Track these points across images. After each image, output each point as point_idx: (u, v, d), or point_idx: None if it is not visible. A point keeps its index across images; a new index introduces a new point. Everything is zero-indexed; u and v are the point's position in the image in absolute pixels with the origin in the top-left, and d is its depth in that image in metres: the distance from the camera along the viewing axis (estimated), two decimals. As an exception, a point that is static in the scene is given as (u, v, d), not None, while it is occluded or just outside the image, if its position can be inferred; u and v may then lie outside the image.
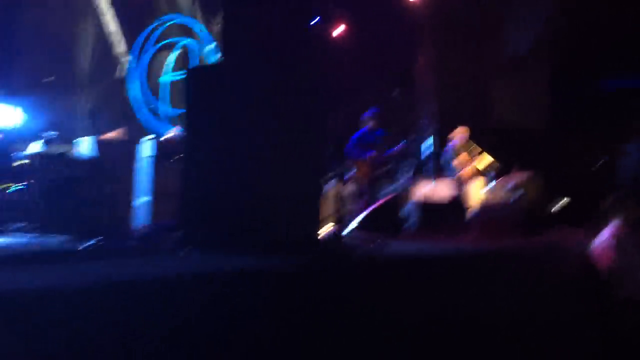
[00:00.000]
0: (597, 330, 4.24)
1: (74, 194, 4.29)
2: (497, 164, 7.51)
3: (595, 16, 9.32)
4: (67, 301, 1.78)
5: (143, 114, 8.78)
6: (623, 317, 4.32)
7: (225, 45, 3.75)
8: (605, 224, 4.77)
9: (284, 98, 3.33)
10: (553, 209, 8.44)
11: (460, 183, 7.64)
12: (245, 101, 3.27)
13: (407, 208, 5.84)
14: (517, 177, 7.91)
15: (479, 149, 7.60)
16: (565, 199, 9.05)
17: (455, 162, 7.67)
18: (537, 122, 11.10)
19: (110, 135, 6.50)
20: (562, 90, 10.93)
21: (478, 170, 7.68)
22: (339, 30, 10.91)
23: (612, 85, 11.21)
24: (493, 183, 7.72)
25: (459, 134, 7.72)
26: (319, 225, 3.68)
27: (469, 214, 6.19)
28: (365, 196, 6.80)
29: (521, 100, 10.94)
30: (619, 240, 4.50)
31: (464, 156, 7.68)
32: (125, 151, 5.77)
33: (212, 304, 2.14)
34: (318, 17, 10.23)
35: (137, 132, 8.04)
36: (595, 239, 4.69)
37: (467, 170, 7.64)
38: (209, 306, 2.12)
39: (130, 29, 8.72)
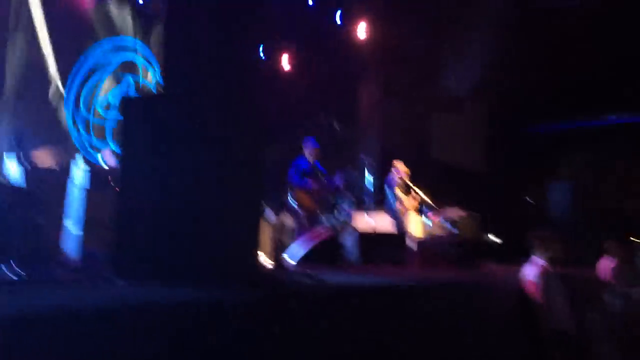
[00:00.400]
0: (529, 358, 4.37)
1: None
2: (433, 200, 7.72)
3: (528, 63, 9.89)
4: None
5: (76, 141, 8.50)
6: (552, 347, 4.49)
7: (165, 74, 3.70)
8: (531, 261, 5.00)
9: (222, 128, 3.31)
10: (486, 244, 8.72)
11: (399, 217, 7.78)
12: (183, 130, 3.22)
13: (347, 240, 5.88)
14: (452, 213, 8.16)
15: (416, 186, 7.80)
16: (497, 235, 9.40)
17: (394, 197, 7.81)
18: (473, 160, 11.56)
19: (40, 159, 6.21)
20: (497, 132, 11.47)
21: (415, 205, 7.85)
22: (284, 63, 11.05)
23: (542, 128, 11.89)
24: (429, 218, 7.91)
25: (398, 170, 7.90)
26: (257, 255, 3.62)
27: (406, 247, 6.30)
28: (305, 228, 6.79)
29: (459, 139, 11.38)
30: (542, 276, 4.71)
31: (402, 191, 7.85)
32: (55, 177, 5.53)
33: (146, 337, 2.04)
34: (262, 49, 10.36)
35: (69, 157, 7.73)
36: (523, 275, 4.90)
37: (405, 205, 7.80)
38: (143, 340, 2.02)
39: (66, 50, 8.46)
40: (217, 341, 2.26)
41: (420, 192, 7.71)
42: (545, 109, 11.07)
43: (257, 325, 2.46)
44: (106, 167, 6.44)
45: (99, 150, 8.37)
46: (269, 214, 7.78)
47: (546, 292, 4.66)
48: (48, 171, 5.82)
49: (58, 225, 5.16)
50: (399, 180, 7.85)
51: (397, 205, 7.77)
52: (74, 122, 8.55)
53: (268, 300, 2.71)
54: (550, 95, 10.60)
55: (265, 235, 6.89)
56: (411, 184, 7.80)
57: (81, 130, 8.64)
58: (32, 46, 8.03)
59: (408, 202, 7.82)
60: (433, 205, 7.78)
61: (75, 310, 2.09)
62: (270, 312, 2.60)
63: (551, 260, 4.89)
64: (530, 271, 4.84)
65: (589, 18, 9.13)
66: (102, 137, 8.84)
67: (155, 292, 2.69)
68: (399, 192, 7.81)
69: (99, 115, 8.95)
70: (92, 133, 8.78)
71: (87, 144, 8.65)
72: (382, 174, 8.75)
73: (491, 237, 9.00)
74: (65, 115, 8.39)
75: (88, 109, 8.77)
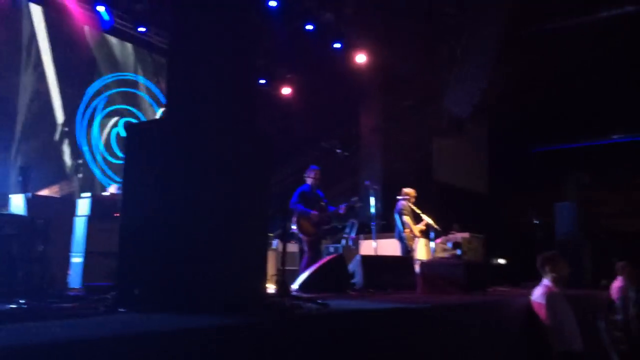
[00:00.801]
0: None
1: (3, 252, 4.06)
2: (438, 224, 7.69)
3: (530, 83, 9.97)
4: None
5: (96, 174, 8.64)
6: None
7: (169, 101, 3.74)
8: (538, 282, 4.96)
9: (227, 154, 3.33)
10: (492, 267, 8.65)
11: (407, 244, 7.73)
12: (187, 157, 3.22)
13: (352, 266, 5.85)
14: (457, 237, 8.13)
15: (420, 210, 7.78)
16: (502, 258, 9.34)
17: (402, 224, 7.78)
18: (476, 182, 11.55)
19: (45, 192, 6.26)
20: (499, 152, 11.48)
21: (421, 229, 7.82)
22: (286, 90, 11.17)
23: (544, 149, 11.91)
24: (434, 242, 7.87)
25: (407, 196, 7.89)
26: (265, 283, 3.61)
27: (413, 272, 6.25)
28: (309, 254, 6.77)
29: (461, 161, 11.39)
30: (550, 298, 4.66)
31: (408, 216, 7.82)
32: (60, 209, 5.55)
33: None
34: (265, 77, 10.49)
35: (74, 189, 7.79)
36: (531, 296, 4.85)
37: (414, 232, 7.76)
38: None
39: (72, 86, 8.60)
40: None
41: (427, 218, 7.69)
42: (548, 128, 11.10)
43: (263, 352, 2.44)
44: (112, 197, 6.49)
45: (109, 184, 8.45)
46: (272, 240, 7.78)
47: (555, 314, 4.61)
48: (53, 201, 5.86)
49: (61, 254, 5.17)
50: (408, 208, 7.82)
51: (407, 233, 7.74)
52: (93, 156, 8.67)
53: (274, 327, 2.69)
54: (553, 114, 10.64)
55: (269, 261, 6.87)
56: (419, 210, 7.78)
57: (98, 163, 8.75)
58: (40, 83, 8.19)
59: (417, 229, 7.78)
60: (439, 229, 7.76)
61: (78, 340, 2.08)
62: (276, 339, 2.58)
63: (558, 281, 4.85)
64: (538, 293, 4.80)
65: (594, 37, 9.24)
66: (114, 170, 8.94)
67: (160, 320, 2.67)
68: (408, 219, 7.79)
69: (108, 149, 9.06)
70: (103, 166, 8.88)
71: (102, 176, 8.76)
72: (386, 198, 8.74)
73: (496, 258, 8.94)
74: (70, 152, 8.48)
75: (99, 144, 8.89)
